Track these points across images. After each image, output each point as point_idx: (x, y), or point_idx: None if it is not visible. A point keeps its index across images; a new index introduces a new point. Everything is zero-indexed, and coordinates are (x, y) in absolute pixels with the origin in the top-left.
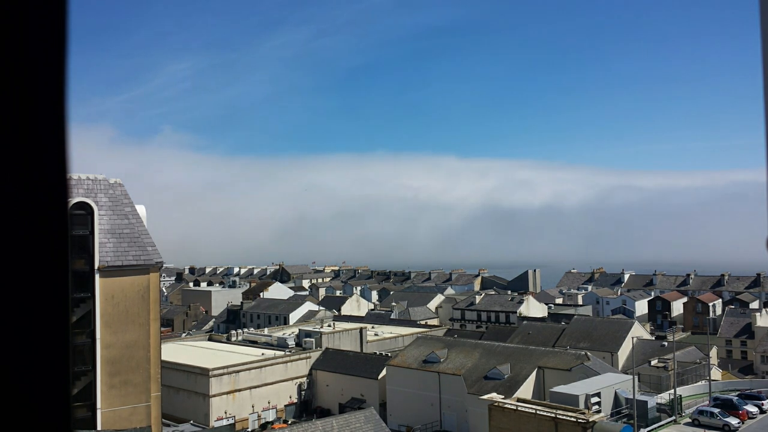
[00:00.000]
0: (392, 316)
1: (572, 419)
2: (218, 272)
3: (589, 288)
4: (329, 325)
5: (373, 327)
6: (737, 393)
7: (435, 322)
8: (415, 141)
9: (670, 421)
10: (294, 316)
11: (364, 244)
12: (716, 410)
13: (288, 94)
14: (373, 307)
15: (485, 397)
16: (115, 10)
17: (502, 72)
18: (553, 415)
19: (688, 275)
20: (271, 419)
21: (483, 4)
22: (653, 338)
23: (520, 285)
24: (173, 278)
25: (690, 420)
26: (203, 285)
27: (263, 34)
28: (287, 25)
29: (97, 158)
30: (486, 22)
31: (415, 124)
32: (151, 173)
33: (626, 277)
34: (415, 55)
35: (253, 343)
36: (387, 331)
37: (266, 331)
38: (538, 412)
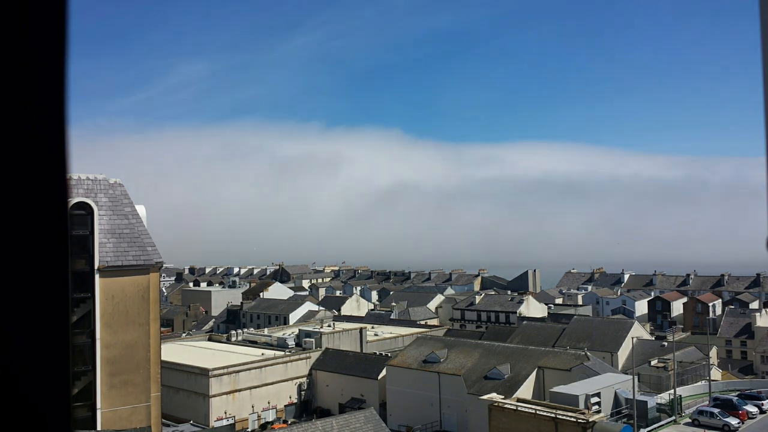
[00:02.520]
0: (392, 317)
1: (572, 419)
2: (218, 272)
3: (589, 288)
4: (329, 326)
5: (373, 327)
6: (737, 393)
7: (435, 322)
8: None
9: (670, 421)
10: (294, 316)
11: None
12: (716, 410)
13: (301, 95)
14: (373, 308)
15: (485, 397)
16: (132, 12)
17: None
18: (553, 415)
19: (688, 275)
20: (271, 419)
21: (497, 6)
22: (653, 338)
23: (520, 285)
24: (173, 278)
25: (690, 420)
26: (203, 285)
27: (279, 36)
28: (303, 27)
29: (99, 158)
30: (499, 24)
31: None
32: (156, 173)
33: (626, 277)
34: (430, 57)
35: (253, 343)
36: (387, 331)
37: (266, 331)
38: (538, 412)
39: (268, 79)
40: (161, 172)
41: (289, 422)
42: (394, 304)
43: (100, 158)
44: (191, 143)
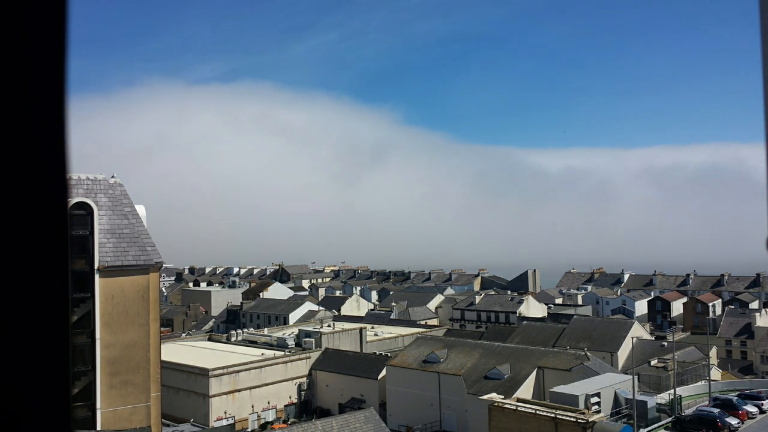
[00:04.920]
0: (392, 317)
1: (572, 419)
2: (218, 272)
3: (589, 288)
4: (329, 326)
5: (372, 327)
6: (737, 393)
7: (435, 322)
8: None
9: (670, 421)
10: (294, 317)
11: None
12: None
13: (313, 96)
14: (372, 308)
15: (485, 397)
16: (143, 14)
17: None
18: (552, 415)
19: (688, 275)
20: (271, 419)
21: (510, 9)
22: (653, 338)
23: (519, 285)
24: (173, 278)
25: None
26: (203, 285)
27: (292, 38)
28: (316, 29)
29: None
30: (512, 28)
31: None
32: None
33: (626, 277)
34: (444, 59)
35: (252, 343)
36: (387, 331)
37: (266, 331)
38: (538, 412)
39: (278, 79)
40: (161, 170)
41: (289, 422)
42: (394, 304)
43: (103, 159)
44: (199, 140)
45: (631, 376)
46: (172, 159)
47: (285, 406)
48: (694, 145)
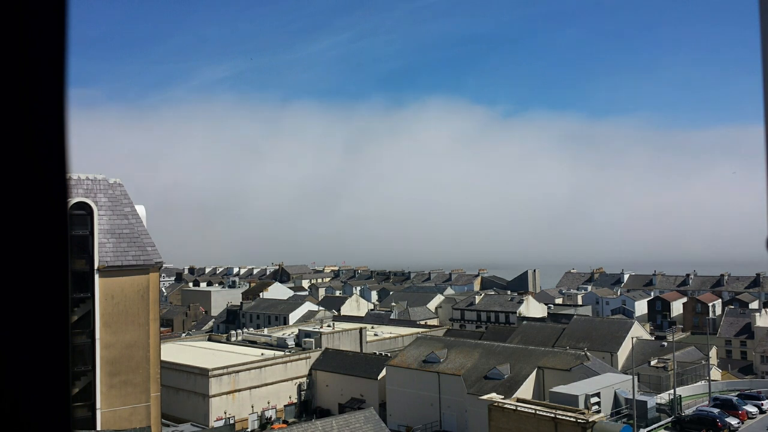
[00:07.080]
0: (392, 317)
1: (572, 419)
2: (218, 272)
3: (589, 288)
4: (329, 326)
5: (372, 327)
6: (737, 393)
7: (435, 322)
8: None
9: (670, 421)
10: (293, 317)
11: None
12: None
13: (324, 98)
14: (372, 308)
15: (485, 397)
16: (156, 17)
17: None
18: (552, 415)
19: (688, 275)
20: (270, 419)
21: (520, 11)
22: (653, 338)
23: (519, 285)
24: (173, 278)
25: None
26: (203, 285)
27: (305, 39)
28: (329, 30)
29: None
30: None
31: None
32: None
33: (626, 277)
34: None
35: (252, 344)
36: (387, 331)
37: (266, 331)
38: (537, 412)
39: (290, 80)
40: (162, 170)
41: (289, 422)
42: (393, 304)
43: (105, 159)
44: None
45: (631, 376)
46: (173, 159)
47: (285, 406)
48: None
